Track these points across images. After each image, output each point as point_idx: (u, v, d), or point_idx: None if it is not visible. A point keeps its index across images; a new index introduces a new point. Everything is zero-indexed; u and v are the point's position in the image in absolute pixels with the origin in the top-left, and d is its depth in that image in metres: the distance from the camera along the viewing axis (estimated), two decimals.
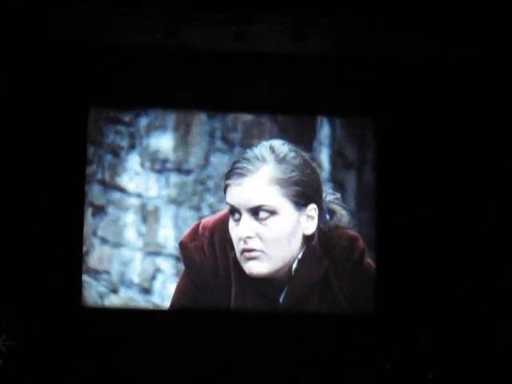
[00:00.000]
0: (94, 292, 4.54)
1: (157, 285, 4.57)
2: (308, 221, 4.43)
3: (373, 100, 4.99)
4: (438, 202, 4.81)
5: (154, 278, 4.51)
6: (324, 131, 4.74)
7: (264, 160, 4.44)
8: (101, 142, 4.64)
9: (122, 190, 4.60)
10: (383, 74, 5.02)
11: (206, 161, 4.62)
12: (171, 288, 4.60)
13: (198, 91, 4.88)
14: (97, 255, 4.53)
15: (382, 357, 4.60)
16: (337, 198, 4.54)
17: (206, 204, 4.59)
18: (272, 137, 4.69)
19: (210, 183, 4.61)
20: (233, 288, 4.37)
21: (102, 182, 4.61)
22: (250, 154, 4.49)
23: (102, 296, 4.49)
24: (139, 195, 4.59)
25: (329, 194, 4.49)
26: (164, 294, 4.60)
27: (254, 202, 4.38)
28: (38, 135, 4.74)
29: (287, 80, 4.93)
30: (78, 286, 4.60)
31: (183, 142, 4.63)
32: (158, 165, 4.61)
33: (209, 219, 4.46)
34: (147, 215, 4.59)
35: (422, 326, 4.71)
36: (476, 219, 4.74)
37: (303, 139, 4.71)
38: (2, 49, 4.63)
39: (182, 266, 4.65)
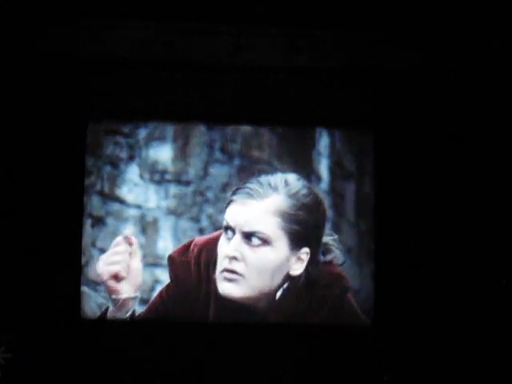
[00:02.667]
0: (93, 304, 4.44)
1: None
2: (297, 262, 4.42)
3: (372, 112, 4.90)
4: (437, 213, 4.78)
5: (152, 289, 4.48)
6: (323, 142, 4.73)
7: (276, 189, 4.44)
8: (100, 153, 4.61)
9: (121, 202, 4.57)
10: (383, 86, 4.89)
11: (205, 172, 4.60)
12: None
13: (196, 103, 4.84)
14: (96, 266, 4.48)
15: (380, 369, 4.58)
16: (334, 239, 4.54)
17: (205, 215, 4.57)
18: (271, 148, 4.65)
19: (210, 194, 4.59)
20: (211, 308, 4.40)
21: (101, 193, 4.57)
22: (263, 179, 4.47)
23: (101, 307, 4.42)
24: (138, 206, 4.56)
25: (326, 235, 4.51)
26: None
27: (251, 227, 4.37)
28: (37, 147, 4.71)
29: (286, 92, 4.86)
30: (77, 297, 4.55)
31: (182, 153, 4.61)
32: (157, 176, 4.57)
33: (202, 238, 4.49)
34: (146, 226, 4.55)
35: (420, 337, 4.64)
36: (475, 230, 4.73)
37: (302, 150, 4.69)
38: None
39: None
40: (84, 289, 4.44)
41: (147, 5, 4.59)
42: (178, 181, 4.57)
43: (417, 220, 4.76)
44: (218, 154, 4.60)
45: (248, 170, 4.66)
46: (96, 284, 4.46)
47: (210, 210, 4.55)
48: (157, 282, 4.46)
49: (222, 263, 4.31)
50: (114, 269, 4.45)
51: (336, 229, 4.60)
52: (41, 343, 4.47)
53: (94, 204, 4.54)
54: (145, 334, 4.54)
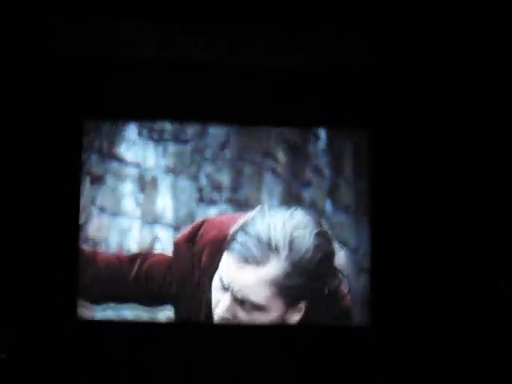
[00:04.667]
0: None
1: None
2: (295, 312, 4.37)
3: (369, 112, 4.89)
4: (435, 215, 4.77)
5: (152, 246, 4.52)
6: (320, 142, 4.71)
7: (277, 252, 4.26)
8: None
9: (120, 160, 4.60)
10: (379, 85, 4.91)
11: (204, 130, 4.65)
12: None
13: (192, 103, 4.81)
14: (95, 224, 4.54)
15: (375, 370, 4.55)
16: (339, 259, 4.40)
17: (204, 173, 4.61)
18: (278, 136, 4.67)
19: (208, 153, 4.62)
20: (202, 310, 4.40)
21: (100, 152, 4.60)
22: (263, 230, 4.28)
23: None
24: (137, 165, 4.61)
25: (335, 256, 4.39)
26: None
27: (244, 295, 4.29)
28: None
29: (282, 92, 4.82)
30: (74, 299, 4.54)
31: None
32: (156, 134, 4.62)
33: (212, 226, 4.41)
34: (145, 185, 4.61)
35: (417, 339, 4.66)
36: (473, 235, 4.70)
37: (300, 150, 4.67)
38: None
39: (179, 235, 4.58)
40: (84, 247, 4.48)
41: (145, 5, 4.53)
42: (177, 139, 4.62)
43: (414, 221, 4.69)
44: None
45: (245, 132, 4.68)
46: (95, 241, 4.51)
47: (208, 168, 4.58)
48: (156, 239, 4.52)
49: (219, 307, 4.28)
50: None
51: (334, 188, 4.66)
52: (36, 344, 4.46)
53: (93, 162, 4.56)
54: (139, 336, 4.53)
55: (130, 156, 4.64)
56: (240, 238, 4.31)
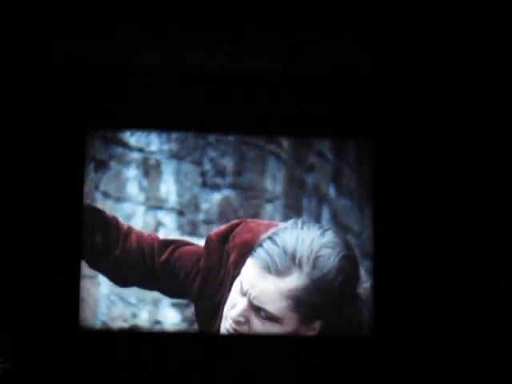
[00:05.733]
0: None
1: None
2: (308, 331, 4.32)
3: (371, 121, 4.85)
4: (436, 226, 4.73)
5: (156, 231, 4.52)
6: (322, 152, 4.68)
7: (299, 266, 4.20)
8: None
9: (124, 145, 4.60)
10: (380, 94, 4.85)
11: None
12: None
13: (196, 112, 4.79)
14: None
15: (378, 380, 4.51)
16: (363, 287, 4.34)
17: (208, 158, 4.61)
18: (270, 154, 4.67)
19: (212, 137, 4.63)
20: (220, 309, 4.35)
21: (104, 137, 4.61)
22: (290, 242, 4.24)
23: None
24: (141, 150, 4.60)
25: (359, 284, 4.34)
26: None
27: (261, 303, 4.23)
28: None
29: (284, 100, 4.79)
30: (76, 305, 4.54)
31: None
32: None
33: (248, 229, 4.38)
34: (149, 170, 4.61)
35: (419, 348, 4.62)
36: (473, 231, 4.70)
37: (300, 160, 4.68)
38: None
39: (183, 220, 4.60)
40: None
41: (147, 13, 4.46)
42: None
43: (416, 232, 4.66)
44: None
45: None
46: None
47: (212, 153, 4.58)
48: (159, 224, 4.51)
49: (233, 310, 4.21)
50: None
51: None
52: (39, 353, 4.46)
53: (97, 147, 4.57)
54: (142, 344, 4.53)
55: (133, 141, 4.61)
56: (266, 245, 4.24)
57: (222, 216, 4.61)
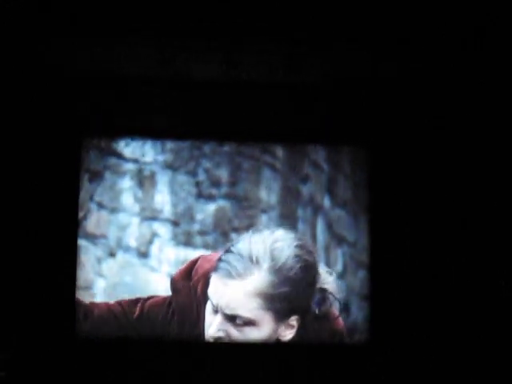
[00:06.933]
0: (92, 256, 4.56)
1: (154, 249, 4.61)
2: (287, 329, 4.41)
3: (367, 129, 4.85)
4: (433, 234, 4.72)
5: (151, 242, 4.56)
6: (317, 162, 4.74)
7: (257, 264, 4.36)
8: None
9: (119, 156, 4.64)
10: (377, 103, 4.83)
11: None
12: (168, 252, 4.63)
13: (191, 120, 4.79)
14: (94, 220, 4.56)
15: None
16: (328, 283, 4.43)
17: (202, 169, 4.64)
18: (264, 165, 4.72)
19: (206, 148, 4.66)
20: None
21: (99, 148, 4.65)
22: (244, 247, 4.40)
23: (99, 260, 4.53)
24: (135, 160, 4.64)
25: (323, 278, 4.41)
26: (161, 257, 4.65)
27: (233, 310, 4.36)
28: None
29: (279, 109, 4.78)
30: (73, 319, 4.52)
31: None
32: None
33: (207, 261, 4.48)
34: (143, 180, 4.63)
35: (416, 356, 4.61)
36: (472, 234, 4.70)
37: (295, 170, 4.73)
38: None
39: (178, 230, 4.64)
40: (82, 242, 4.51)
41: (143, 22, 4.51)
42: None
43: (412, 238, 4.66)
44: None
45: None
46: (94, 237, 4.54)
47: (207, 164, 4.62)
48: (154, 235, 4.55)
49: (209, 330, 4.36)
50: None
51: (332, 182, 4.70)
52: (35, 361, 4.44)
53: (92, 159, 4.60)
54: (138, 354, 4.54)
55: (128, 152, 4.65)
56: (224, 257, 4.36)
57: (217, 226, 4.66)
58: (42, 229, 4.63)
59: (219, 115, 4.79)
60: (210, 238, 4.65)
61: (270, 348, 4.48)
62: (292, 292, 4.32)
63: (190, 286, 4.44)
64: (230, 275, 4.30)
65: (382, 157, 4.84)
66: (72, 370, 4.57)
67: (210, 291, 4.36)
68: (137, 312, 4.52)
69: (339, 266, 4.72)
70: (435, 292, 4.74)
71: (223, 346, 4.46)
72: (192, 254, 4.61)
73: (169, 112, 4.78)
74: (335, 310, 4.41)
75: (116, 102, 4.78)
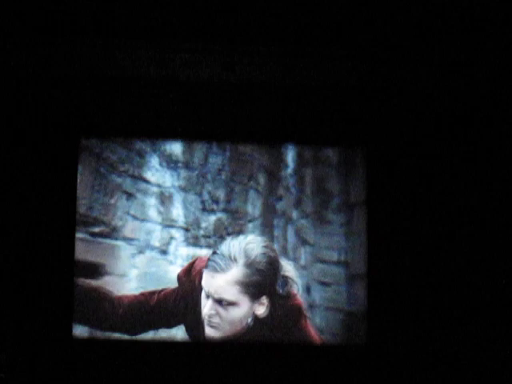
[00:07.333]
0: (128, 253, 5.13)
1: (171, 248, 5.22)
2: (260, 306, 4.95)
3: (363, 130, 4.80)
4: (430, 237, 4.72)
5: (169, 243, 5.18)
6: (289, 169, 5.25)
7: (235, 261, 4.92)
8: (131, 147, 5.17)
9: (147, 182, 5.22)
10: (372, 104, 4.73)
11: (206, 160, 5.27)
12: (181, 250, 5.18)
13: (189, 121, 4.87)
14: (130, 228, 5.16)
15: None
16: (290, 272, 4.97)
17: (206, 191, 5.22)
18: (259, 165, 5.15)
19: (209, 176, 5.24)
20: (201, 326, 5.04)
21: (133, 176, 5.21)
22: (226, 249, 4.94)
23: (133, 256, 5.13)
24: (159, 185, 5.22)
25: (284, 268, 4.98)
26: (176, 254, 5.19)
27: (219, 295, 4.91)
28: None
29: (276, 109, 4.84)
30: (69, 320, 4.70)
31: (189, 148, 5.29)
32: (172, 164, 5.25)
33: (201, 261, 5.04)
34: (164, 199, 5.19)
35: (414, 357, 4.61)
36: (469, 243, 4.67)
37: (274, 175, 5.23)
38: None
39: (188, 235, 5.15)
40: (120, 242, 5.07)
41: (141, 25, 4.45)
42: (187, 167, 5.23)
43: (408, 240, 4.67)
44: (214, 148, 5.29)
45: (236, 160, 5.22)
46: (130, 240, 5.10)
47: (209, 187, 5.22)
48: (172, 238, 5.17)
49: (204, 310, 4.92)
50: None
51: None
52: (33, 363, 4.49)
53: (128, 184, 5.18)
54: (135, 355, 4.78)
55: (153, 179, 5.21)
56: (211, 257, 4.99)
57: (216, 232, 5.22)
58: (41, 229, 4.66)
59: (218, 116, 4.89)
60: (211, 240, 5.19)
61: (269, 349, 4.83)
62: (261, 279, 4.96)
63: (190, 280, 5.08)
64: (216, 270, 4.97)
65: (380, 158, 4.83)
66: (69, 371, 4.57)
67: (203, 282, 4.99)
68: (155, 299, 5.10)
69: (302, 261, 5.25)
70: (432, 295, 4.65)
71: (220, 347, 4.81)
72: (198, 251, 5.18)
73: (167, 113, 4.81)
74: (294, 290, 5.02)
75: (114, 102, 4.76)
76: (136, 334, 5.06)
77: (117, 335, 5.00)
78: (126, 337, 5.01)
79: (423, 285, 4.66)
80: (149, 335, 5.09)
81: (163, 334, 5.13)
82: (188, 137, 4.98)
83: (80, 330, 4.98)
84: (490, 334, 4.52)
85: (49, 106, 4.62)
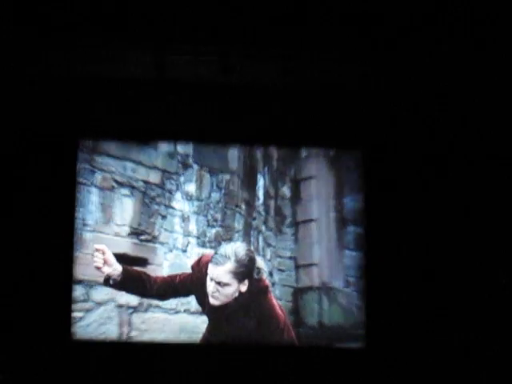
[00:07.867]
0: (162, 252, 6.99)
1: (189, 248, 7.16)
2: (243, 286, 6.59)
3: (360, 133, 4.70)
4: (428, 241, 4.64)
5: (187, 245, 7.14)
6: (260, 211, 7.01)
7: (229, 258, 6.62)
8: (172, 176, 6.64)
9: (174, 208, 7.15)
10: (370, 107, 4.65)
11: (210, 195, 7.24)
12: (195, 250, 7.06)
13: (185, 123, 4.99)
14: (163, 236, 7.15)
15: None
16: (260, 263, 6.73)
17: (211, 215, 7.22)
18: (242, 198, 6.92)
19: (212, 205, 7.24)
20: (205, 309, 6.65)
21: (165, 205, 7.15)
22: (222, 250, 6.67)
23: (165, 253, 6.99)
24: (181, 210, 7.17)
25: (258, 262, 6.69)
26: (192, 252, 7.09)
27: (219, 279, 6.59)
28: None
29: (274, 112, 4.93)
30: (69, 321, 5.03)
31: (200, 187, 7.16)
32: (189, 198, 7.22)
33: (206, 257, 6.81)
34: (184, 219, 7.13)
35: (412, 361, 4.50)
36: (467, 259, 4.61)
37: (250, 215, 6.93)
38: None
39: (199, 241, 7.08)
40: (157, 245, 6.96)
41: (138, 27, 4.24)
42: (198, 199, 7.21)
43: (407, 247, 4.67)
44: (215, 187, 7.18)
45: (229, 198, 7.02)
46: (163, 243, 6.95)
47: (211, 212, 7.24)
48: (189, 242, 7.11)
49: (208, 289, 6.54)
50: (97, 265, 6.41)
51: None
52: (33, 365, 4.44)
53: (162, 209, 7.14)
54: (135, 356, 5.12)
55: (177, 206, 7.18)
56: (214, 256, 6.75)
57: (216, 239, 7.24)
58: (41, 229, 4.63)
59: (217, 116, 5.23)
60: (213, 244, 7.19)
61: (268, 351, 5.32)
62: (245, 270, 6.73)
63: (200, 269, 6.83)
64: (217, 264, 6.75)
65: (376, 161, 4.87)
66: (68, 373, 4.47)
67: (208, 271, 6.71)
68: (177, 280, 6.90)
69: (268, 257, 7.25)
70: (431, 297, 4.53)
71: (219, 348, 5.42)
72: (205, 251, 7.14)
73: (164, 114, 4.84)
74: (263, 275, 6.88)
75: (111, 104, 4.79)
76: (165, 299, 6.89)
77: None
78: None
79: (420, 286, 4.60)
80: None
81: (183, 300, 6.97)
82: (183, 137, 5.24)
83: (132, 299, 6.79)
84: (490, 337, 4.39)
85: (49, 106, 4.54)
